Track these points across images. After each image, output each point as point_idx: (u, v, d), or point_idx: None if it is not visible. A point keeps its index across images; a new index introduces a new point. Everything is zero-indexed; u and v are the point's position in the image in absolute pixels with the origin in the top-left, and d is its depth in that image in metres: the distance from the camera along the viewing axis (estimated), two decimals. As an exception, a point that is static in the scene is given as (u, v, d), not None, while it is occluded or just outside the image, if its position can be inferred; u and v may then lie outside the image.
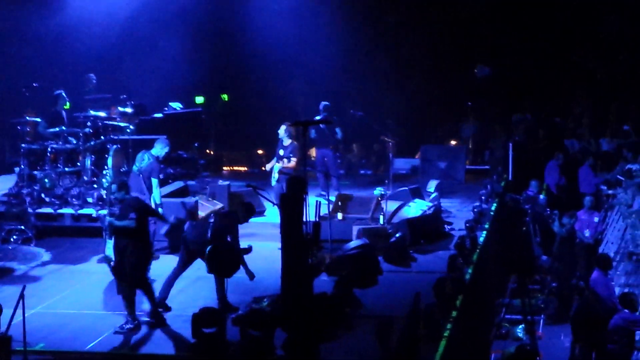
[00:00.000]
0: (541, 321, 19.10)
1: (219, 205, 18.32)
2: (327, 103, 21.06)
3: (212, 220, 14.74)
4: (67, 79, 22.90)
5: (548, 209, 22.19)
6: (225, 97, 29.25)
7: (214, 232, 14.26)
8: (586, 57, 29.35)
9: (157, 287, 14.34)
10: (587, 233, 20.90)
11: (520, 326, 18.45)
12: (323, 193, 19.15)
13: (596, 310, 16.00)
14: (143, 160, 17.08)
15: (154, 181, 16.89)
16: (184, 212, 16.84)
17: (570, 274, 20.01)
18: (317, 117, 20.67)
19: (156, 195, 16.89)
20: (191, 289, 15.07)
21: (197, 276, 15.32)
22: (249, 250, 14.37)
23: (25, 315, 11.70)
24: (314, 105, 22.32)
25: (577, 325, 16.22)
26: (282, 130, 18.90)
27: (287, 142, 18.82)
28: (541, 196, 22.62)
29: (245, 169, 25.82)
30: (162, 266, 15.59)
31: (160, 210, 16.41)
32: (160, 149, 17.23)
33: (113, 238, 13.95)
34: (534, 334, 17.42)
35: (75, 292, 15.24)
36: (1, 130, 22.66)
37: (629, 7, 29.23)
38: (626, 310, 15.50)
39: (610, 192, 22.80)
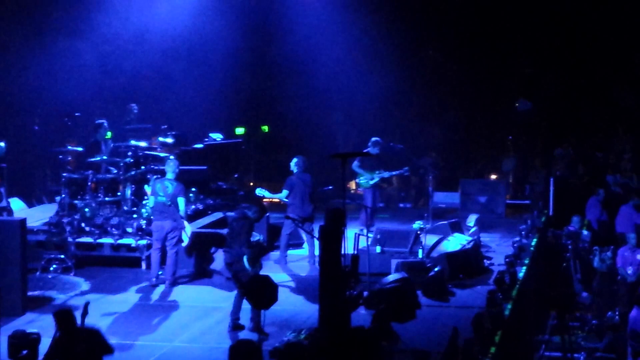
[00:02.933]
0: (582, 359, 18.87)
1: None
2: (377, 139, 21.04)
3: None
4: (109, 109, 23.10)
5: (587, 244, 22.02)
6: (265, 128, 29.36)
7: (230, 236, 14.45)
8: (625, 94, 29.22)
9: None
10: (629, 270, 20.68)
11: (560, 363, 18.28)
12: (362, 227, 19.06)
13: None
14: (167, 188, 17.32)
15: (181, 200, 17.39)
16: None
17: (609, 311, 19.79)
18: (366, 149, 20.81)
19: (183, 213, 17.51)
20: (229, 321, 15.03)
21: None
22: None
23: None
24: (353, 137, 22.37)
25: None
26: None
27: None
28: (584, 232, 22.44)
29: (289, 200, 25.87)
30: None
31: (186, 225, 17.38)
32: (173, 171, 17.64)
33: None
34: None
35: (114, 322, 15.26)
36: (43, 160, 22.83)
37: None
38: None
39: None
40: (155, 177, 18.74)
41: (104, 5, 24.36)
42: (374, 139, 21.29)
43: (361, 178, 21.57)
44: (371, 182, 21.40)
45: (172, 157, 19.16)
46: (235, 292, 14.81)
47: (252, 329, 14.02)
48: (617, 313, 16.66)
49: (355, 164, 21.35)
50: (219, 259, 17.60)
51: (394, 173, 21.66)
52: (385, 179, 22.00)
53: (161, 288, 17.22)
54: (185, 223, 17.64)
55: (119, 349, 13.85)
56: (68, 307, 11.26)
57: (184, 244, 17.64)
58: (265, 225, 19.83)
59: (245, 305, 14.31)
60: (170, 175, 17.55)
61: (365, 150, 20.88)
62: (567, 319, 18.50)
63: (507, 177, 27.85)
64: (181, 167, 18.76)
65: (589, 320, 20.00)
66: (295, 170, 19.04)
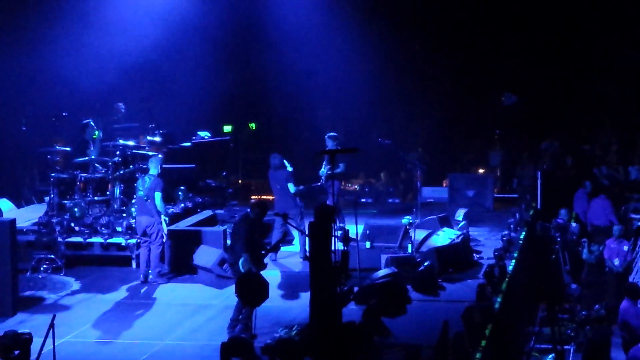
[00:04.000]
0: (571, 350, 18.96)
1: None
2: (334, 133, 20.65)
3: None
4: (96, 108, 23.05)
5: (576, 236, 22.13)
6: (253, 125, 29.36)
7: (232, 237, 14.50)
8: (610, 86, 29.32)
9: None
10: (616, 262, 20.80)
11: (549, 355, 18.34)
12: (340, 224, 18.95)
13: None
14: (145, 182, 17.51)
15: (158, 194, 17.41)
16: None
17: (598, 302, 19.89)
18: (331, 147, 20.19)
19: (160, 207, 17.48)
20: (220, 318, 15.06)
21: (225, 305, 15.38)
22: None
23: (55, 344, 11.71)
24: (341, 133, 22.32)
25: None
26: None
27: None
28: (572, 224, 22.54)
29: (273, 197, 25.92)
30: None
31: (164, 219, 17.43)
32: (156, 167, 17.76)
33: None
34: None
35: (105, 321, 15.28)
36: (31, 160, 22.81)
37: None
38: None
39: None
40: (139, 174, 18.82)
41: (90, 5, 24.36)
42: (330, 133, 20.96)
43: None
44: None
45: (155, 154, 19.21)
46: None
47: (243, 328, 14.01)
48: (603, 306, 16.73)
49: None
50: (209, 257, 17.64)
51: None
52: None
53: (151, 286, 17.24)
54: (163, 218, 17.66)
55: (111, 348, 13.94)
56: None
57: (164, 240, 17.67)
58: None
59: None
60: (152, 171, 17.68)
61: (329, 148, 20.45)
62: (557, 311, 18.57)
63: (494, 171, 27.92)
64: (169, 166, 18.81)
65: (578, 312, 20.10)
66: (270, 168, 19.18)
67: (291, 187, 18.78)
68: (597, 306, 17.56)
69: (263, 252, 14.74)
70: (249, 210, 14.99)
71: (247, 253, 14.32)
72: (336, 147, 19.20)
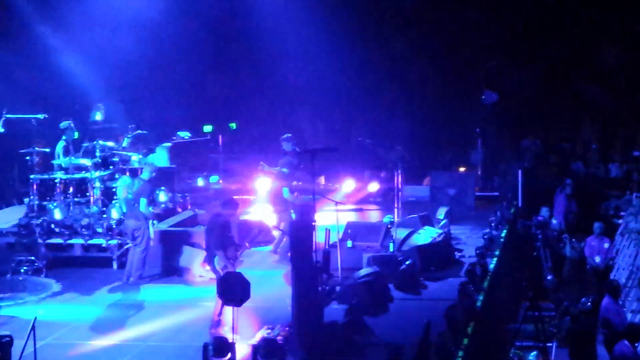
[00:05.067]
0: (554, 347, 18.99)
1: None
2: (289, 135, 20.46)
3: None
4: (76, 109, 22.97)
5: (557, 233, 22.19)
6: (233, 125, 29.31)
7: (206, 237, 14.54)
8: (589, 84, 29.43)
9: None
10: (597, 259, 20.86)
11: (532, 353, 18.35)
12: None
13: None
14: (134, 185, 17.50)
15: (143, 200, 17.31)
16: None
17: (580, 298, 19.94)
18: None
19: (146, 211, 17.45)
20: (202, 318, 15.01)
21: (207, 306, 15.34)
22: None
23: (37, 346, 11.66)
24: (321, 132, 22.33)
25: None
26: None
27: None
28: (553, 221, 22.60)
29: (254, 197, 25.88)
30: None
31: (153, 223, 17.45)
32: (148, 173, 17.68)
33: None
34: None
35: (86, 323, 15.21)
36: (10, 162, 22.70)
37: (627, 35, 29.48)
38: (626, 342, 15.18)
39: (619, 219, 22.78)
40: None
41: (67, 6, 24.31)
42: (285, 135, 20.87)
43: None
44: None
45: (150, 158, 19.17)
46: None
47: (224, 329, 13.98)
48: (590, 299, 16.72)
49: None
50: (189, 257, 17.62)
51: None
52: None
53: (133, 288, 17.20)
54: (151, 222, 17.61)
55: (92, 349, 13.88)
56: None
57: (152, 243, 17.62)
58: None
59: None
60: (144, 175, 17.64)
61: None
62: (540, 308, 18.57)
63: (475, 169, 27.94)
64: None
65: (561, 301, 20.11)
66: None
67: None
68: (584, 299, 17.52)
69: (237, 250, 14.66)
70: (221, 208, 14.99)
71: (220, 250, 14.32)
72: (294, 147, 19.19)
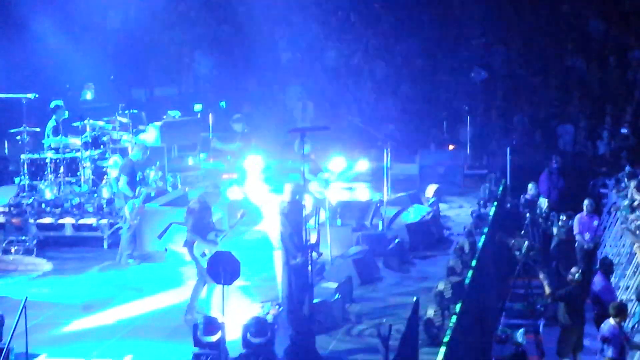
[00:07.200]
0: (541, 324, 19.11)
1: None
2: (239, 115, 20.66)
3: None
4: (66, 89, 22.98)
5: (544, 211, 22.28)
6: (223, 104, 29.31)
7: (192, 225, 14.26)
8: (577, 61, 29.49)
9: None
10: (587, 236, 20.93)
11: (520, 330, 18.47)
12: None
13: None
14: (119, 164, 17.55)
15: (123, 177, 17.39)
16: None
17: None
18: None
19: (125, 190, 17.43)
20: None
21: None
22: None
23: (28, 326, 11.68)
24: (309, 111, 22.36)
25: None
26: None
27: None
28: (542, 199, 22.69)
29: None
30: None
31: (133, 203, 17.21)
32: (137, 154, 17.83)
33: None
34: (536, 337, 17.53)
35: (77, 302, 15.27)
36: (1, 141, 22.71)
37: (615, 11, 29.56)
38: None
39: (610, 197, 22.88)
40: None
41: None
42: (235, 116, 20.88)
43: None
44: None
45: (141, 139, 19.23)
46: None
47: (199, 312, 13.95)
48: (579, 270, 16.71)
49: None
50: (180, 237, 17.67)
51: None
52: None
53: (124, 267, 17.27)
54: (132, 202, 17.62)
55: (84, 328, 13.96)
56: None
57: (135, 222, 17.59)
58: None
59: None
60: (132, 155, 17.75)
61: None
62: (529, 286, 18.69)
63: (464, 147, 27.98)
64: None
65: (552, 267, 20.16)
66: None
67: None
68: (573, 269, 17.48)
69: (215, 233, 14.38)
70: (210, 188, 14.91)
71: (198, 236, 14.22)
72: (244, 128, 19.42)
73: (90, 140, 19.54)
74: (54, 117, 19.79)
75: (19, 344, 11.80)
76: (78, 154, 19.29)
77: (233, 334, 12.52)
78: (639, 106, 27.97)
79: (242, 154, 20.27)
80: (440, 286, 13.90)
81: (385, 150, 21.13)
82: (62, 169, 19.23)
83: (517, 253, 18.18)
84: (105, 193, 18.93)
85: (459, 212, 21.23)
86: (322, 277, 15.43)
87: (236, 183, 19.90)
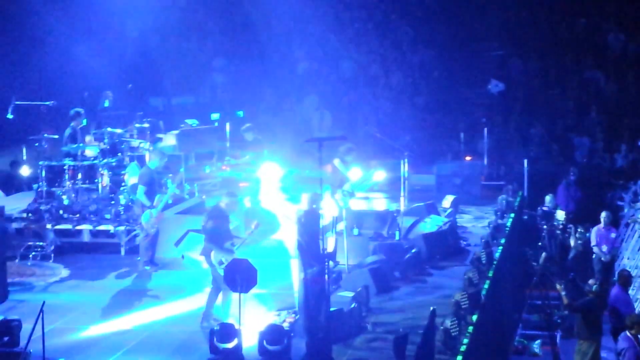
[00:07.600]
0: (558, 336, 19.05)
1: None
2: (249, 125, 20.86)
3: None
4: (84, 97, 23.07)
5: (562, 223, 22.22)
6: (240, 113, 29.37)
7: (208, 234, 14.29)
8: (595, 74, 29.44)
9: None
10: (604, 248, 20.87)
11: (537, 341, 18.45)
12: None
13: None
14: (137, 172, 17.62)
15: (141, 187, 17.41)
16: None
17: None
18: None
19: (142, 199, 17.38)
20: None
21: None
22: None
23: (45, 330, 11.74)
24: (327, 120, 22.37)
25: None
26: None
27: None
28: (559, 210, 22.63)
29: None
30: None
31: (148, 213, 17.17)
32: (155, 161, 17.87)
33: None
34: (553, 348, 17.46)
35: (94, 308, 15.31)
36: (20, 148, 22.80)
37: (632, 24, 29.51)
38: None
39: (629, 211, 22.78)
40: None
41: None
42: (245, 125, 20.93)
43: None
44: None
45: (159, 146, 19.31)
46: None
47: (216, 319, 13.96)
48: (597, 282, 16.64)
49: None
50: (197, 245, 17.69)
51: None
52: None
53: (141, 274, 17.30)
54: (149, 211, 17.61)
55: (100, 334, 13.99)
56: None
57: (152, 231, 17.60)
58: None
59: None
60: (150, 163, 17.82)
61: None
62: (547, 297, 18.64)
63: (481, 158, 27.94)
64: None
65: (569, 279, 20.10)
66: None
67: None
68: (591, 280, 17.42)
69: (232, 243, 14.38)
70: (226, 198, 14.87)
71: (215, 244, 14.23)
72: (255, 137, 19.50)
73: (108, 147, 19.60)
74: (71, 124, 19.82)
75: (36, 349, 11.82)
76: (96, 162, 19.35)
77: (249, 341, 12.54)
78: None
79: (254, 163, 20.30)
80: (457, 296, 13.90)
81: (402, 160, 21.14)
82: (80, 176, 19.28)
83: (535, 264, 18.16)
84: (123, 200, 18.98)
85: (476, 223, 21.20)
86: (339, 286, 15.42)
87: (249, 192, 19.95)
